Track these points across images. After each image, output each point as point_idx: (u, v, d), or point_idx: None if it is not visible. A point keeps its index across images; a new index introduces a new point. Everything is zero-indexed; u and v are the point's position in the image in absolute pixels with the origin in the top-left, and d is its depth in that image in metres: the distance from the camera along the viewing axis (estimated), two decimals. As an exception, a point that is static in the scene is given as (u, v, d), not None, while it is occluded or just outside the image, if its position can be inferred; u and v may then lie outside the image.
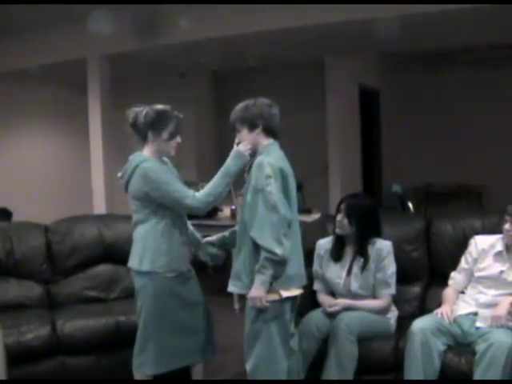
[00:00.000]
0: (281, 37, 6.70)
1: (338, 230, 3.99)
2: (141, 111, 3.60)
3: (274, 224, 3.24)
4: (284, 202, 3.31)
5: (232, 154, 3.54)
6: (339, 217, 3.96)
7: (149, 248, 3.58)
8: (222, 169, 3.56)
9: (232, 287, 3.48)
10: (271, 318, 3.36)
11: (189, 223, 3.86)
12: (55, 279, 4.78)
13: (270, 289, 3.33)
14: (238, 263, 3.46)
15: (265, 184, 3.27)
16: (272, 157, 3.38)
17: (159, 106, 3.62)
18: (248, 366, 3.44)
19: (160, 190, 3.51)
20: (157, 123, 3.58)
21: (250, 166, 3.45)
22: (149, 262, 3.57)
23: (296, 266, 3.43)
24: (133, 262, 3.67)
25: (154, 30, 6.72)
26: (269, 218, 3.25)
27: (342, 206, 3.97)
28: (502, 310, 3.53)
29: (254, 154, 3.50)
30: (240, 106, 3.53)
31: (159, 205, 3.55)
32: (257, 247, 3.30)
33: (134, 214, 3.68)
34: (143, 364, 3.67)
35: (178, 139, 3.66)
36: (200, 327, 3.75)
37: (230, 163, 3.53)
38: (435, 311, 3.74)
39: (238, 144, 3.53)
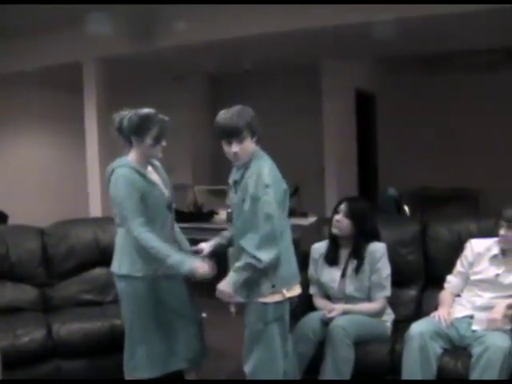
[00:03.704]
0: (277, 40, 6.71)
1: (334, 230, 3.97)
2: (125, 116, 3.58)
3: (267, 233, 3.23)
4: (279, 211, 3.31)
5: (191, 270, 3.44)
6: (338, 217, 3.95)
7: (127, 252, 3.58)
8: (171, 257, 3.44)
9: (243, 298, 3.45)
10: (273, 320, 3.37)
11: (179, 231, 3.85)
12: (51, 282, 4.77)
13: (274, 290, 3.35)
14: None
15: (262, 193, 3.25)
16: (268, 164, 3.38)
17: (143, 111, 3.58)
18: (247, 368, 3.44)
19: (115, 200, 3.53)
20: (140, 128, 3.55)
21: (242, 175, 3.42)
22: (127, 266, 3.59)
23: (292, 266, 3.46)
24: (113, 266, 3.69)
25: (150, 33, 6.72)
26: (262, 227, 3.23)
27: (343, 207, 3.95)
28: (497, 313, 3.53)
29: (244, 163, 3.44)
30: (236, 112, 3.37)
31: None
32: None
33: (114, 216, 3.69)
34: (135, 368, 3.66)
35: (163, 143, 3.63)
36: (188, 330, 3.74)
37: (177, 266, 3.44)
38: (432, 314, 3.74)
39: (235, 153, 3.40)
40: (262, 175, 3.29)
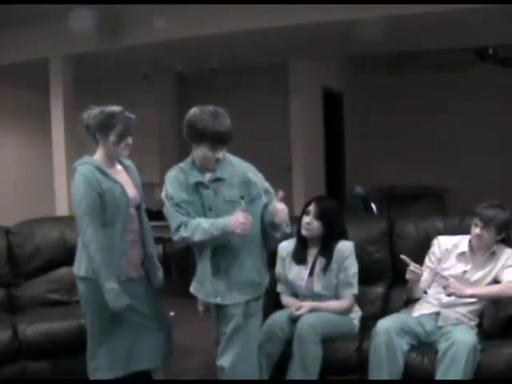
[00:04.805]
0: (244, 39, 6.71)
1: (304, 232, 3.97)
2: (92, 113, 3.54)
3: None
4: None
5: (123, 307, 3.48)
6: (307, 219, 3.94)
7: (85, 253, 3.52)
8: (109, 281, 3.41)
9: (248, 295, 3.48)
10: (257, 311, 3.51)
11: (148, 232, 3.77)
12: (17, 282, 4.72)
13: None
14: (248, 272, 3.48)
15: (268, 185, 3.50)
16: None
17: (109, 108, 3.53)
18: (225, 362, 3.44)
19: (73, 198, 3.53)
20: (104, 126, 3.50)
21: (217, 178, 3.44)
22: (84, 268, 3.55)
23: None
24: (74, 267, 3.66)
25: (118, 31, 6.68)
26: None
27: (312, 208, 3.94)
28: (459, 288, 3.54)
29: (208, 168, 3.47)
30: (227, 116, 3.38)
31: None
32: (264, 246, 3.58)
33: None
34: (96, 369, 3.62)
35: (129, 141, 3.58)
36: (154, 331, 3.69)
37: (110, 297, 3.41)
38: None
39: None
40: (257, 172, 3.52)
